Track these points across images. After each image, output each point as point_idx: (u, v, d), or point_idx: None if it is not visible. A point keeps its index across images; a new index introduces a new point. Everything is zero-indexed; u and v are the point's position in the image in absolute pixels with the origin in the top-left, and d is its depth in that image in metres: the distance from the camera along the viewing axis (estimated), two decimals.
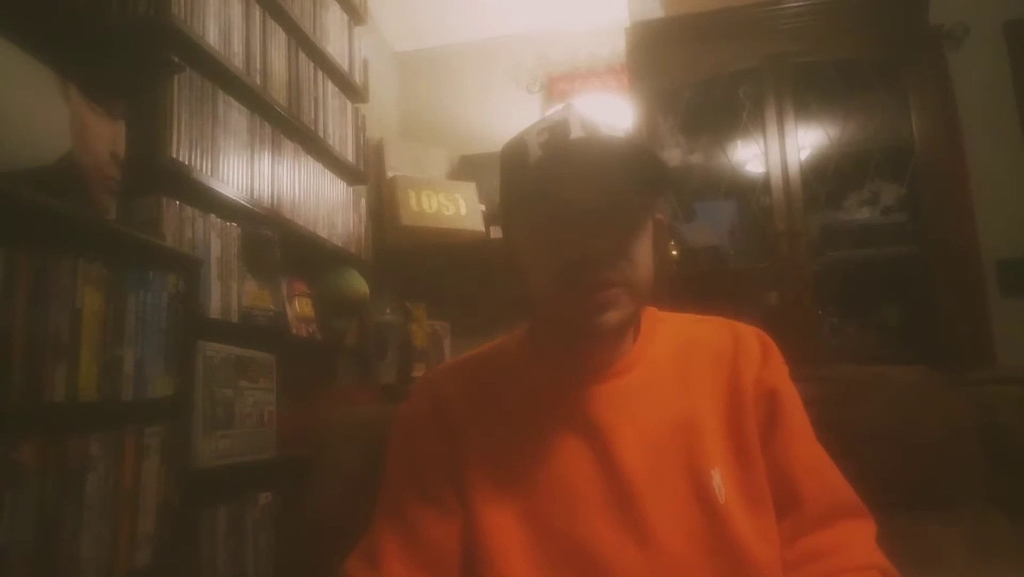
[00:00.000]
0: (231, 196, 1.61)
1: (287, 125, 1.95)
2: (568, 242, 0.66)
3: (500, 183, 0.77)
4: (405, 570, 0.67)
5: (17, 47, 1.02)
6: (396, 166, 2.82)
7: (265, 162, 1.80)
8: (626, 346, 0.74)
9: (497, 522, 0.67)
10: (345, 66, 2.37)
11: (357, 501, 0.79)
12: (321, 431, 0.99)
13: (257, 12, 1.82)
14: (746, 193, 2.29)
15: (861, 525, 0.67)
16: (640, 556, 0.64)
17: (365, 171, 2.49)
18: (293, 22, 2.02)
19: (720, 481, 0.66)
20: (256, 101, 1.78)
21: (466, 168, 2.97)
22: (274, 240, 1.78)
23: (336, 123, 2.29)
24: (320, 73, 2.20)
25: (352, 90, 2.44)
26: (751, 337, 0.75)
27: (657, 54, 2.31)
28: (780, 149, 2.18)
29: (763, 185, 2.21)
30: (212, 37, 1.59)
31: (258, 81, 1.80)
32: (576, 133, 0.68)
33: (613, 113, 2.53)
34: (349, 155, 2.36)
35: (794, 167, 2.16)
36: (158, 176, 1.41)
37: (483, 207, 2.77)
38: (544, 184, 0.67)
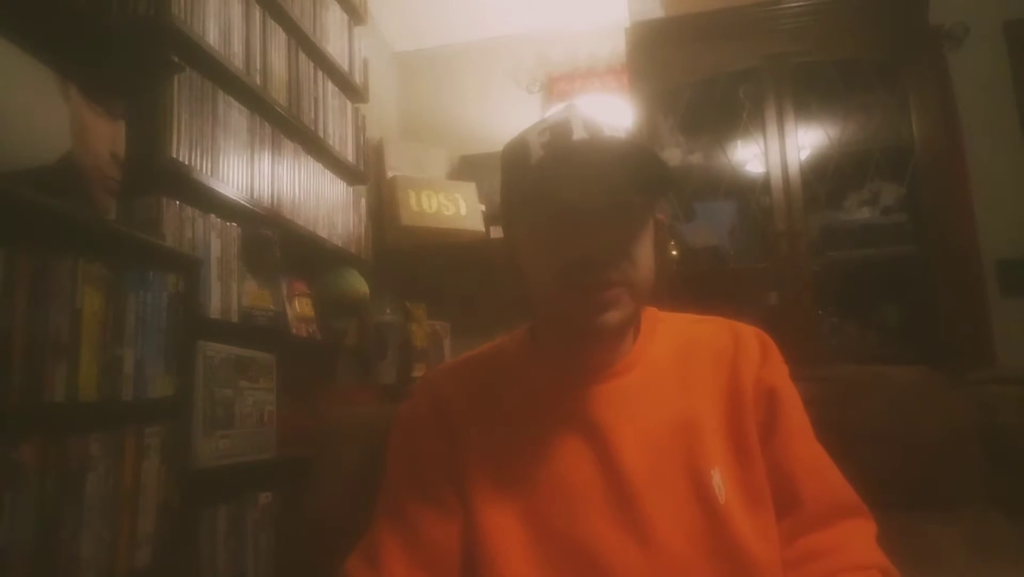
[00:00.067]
0: (231, 196, 1.61)
1: (287, 125, 1.95)
2: (569, 242, 0.66)
3: (501, 183, 0.77)
4: (405, 570, 0.67)
5: (17, 47, 1.02)
6: (396, 166, 2.82)
7: (265, 162, 1.80)
8: (626, 346, 0.74)
9: (497, 522, 0.67)
10: (345, 66, 2.37)
11: (357, 501, 0.79)
12: (321, 431, 0.99)
13: (257, 12, 1.82)
14: (746, 193, 2.29)
15: (861, 525, 0.67)
16: (640, 556, 0.64)
17: (365, 171, 2.49)
18: (293, 22, 2.02)
19: (720, 481, 0.66)
20: (256, 101, 1.78)
21: (466, 168, 2.97)
22: (274, 240, 1.78)
23: (336, 123, 2.29)
24: (320, 73, 2.20)
25: (352, 90, 2.44)
26: (751, 337, 0.75)
27: (657, 54, 2.31)
28: (780, 149, 2.18)
29: (763, 185, 2.21)
30: (212, 37, 1.59)
31: (258, 81, 1.80)
32: (578, 133, 0.68)
33: (613, 113, 2.53)
34: (349, 155, 2.36)
35: (794, 167, 2.16)
36: (158, 176, 1.41)
37: (483, 207, 2.77)
38: (545, 184, 0.67)
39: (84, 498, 1.02)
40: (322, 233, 2.11)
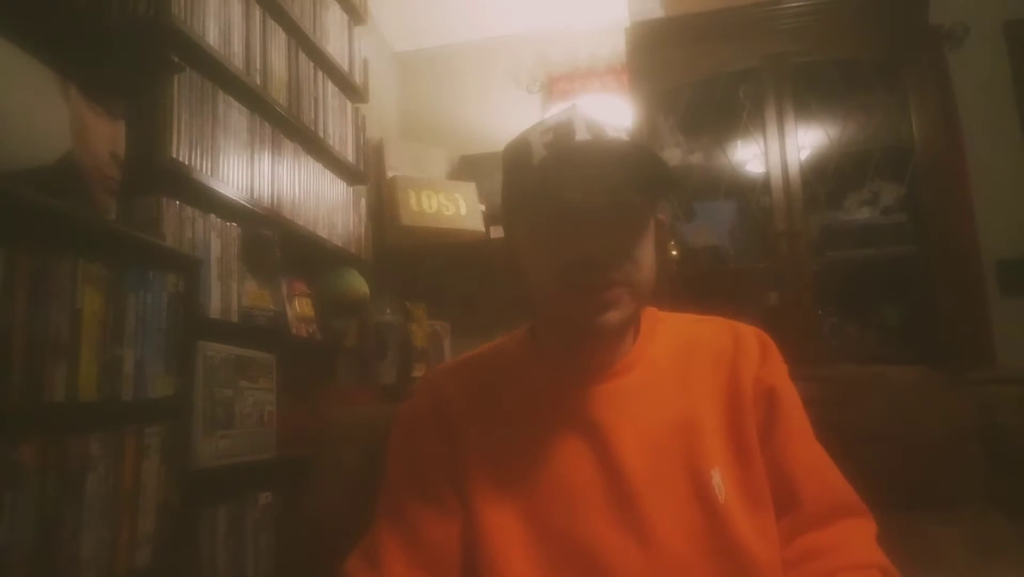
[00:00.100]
0: (231, 196, 1.61)
1: (287, 125, 1.95)
2: (570, 242, 0.66)
3: (502, 182, 0.77)
4: (405, 570, 0.67)
5: (17, 47, 1.02)
6: (396, 166, 2.82)
7: (265, 162, 1.80)
8: (626, 346, 0.74)
9: (497, 522, 0.67)
10: (345, 66, 2.37)
11: (357, 501, 0.79)
12: (321, 431, 0.99)
13: (257, 12, 1.82)
14: (746, 193, 2.29)
15: (861, 524, 0.67)
16: (640, 556, 0.64)
17: (365, 171, 2.49)
18: (293, 22, 2.02)
19: (720, 480, 0.66)
20: (256, 101, 1.78)
21: (466, 168, 2.97)
22: (274, 240, 1.78)
23: (336, 123, 2.29)
24: (320, 73, 2.20)
25: (352, 90, 2.44)
26: (750, 336, 0.75)
27: (657, 54, 2.31)
28: (780, 149, 2.18)
29: (763, 185, 2.21)
30: (212, 37, 1.59)
31: (258, 81, 1.80)
32: (581, 134, 0.68)
33: (613, 113, 2.53)
34: (349, 155, 2.36)
35: (794, 167, 2.16)
36: (158, 176, 1.41)
37: (483, 207, 2.77)
38: (547, 184, 0.67)
39: (84, 498, 1.02)
40: (322, 233, 2.11)
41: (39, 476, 0.95)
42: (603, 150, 0.68)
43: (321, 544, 0.86)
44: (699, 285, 2.15)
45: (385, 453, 0.77)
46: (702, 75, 2.27)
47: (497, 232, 2.69)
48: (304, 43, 2.10)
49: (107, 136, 1.17)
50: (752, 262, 2.31)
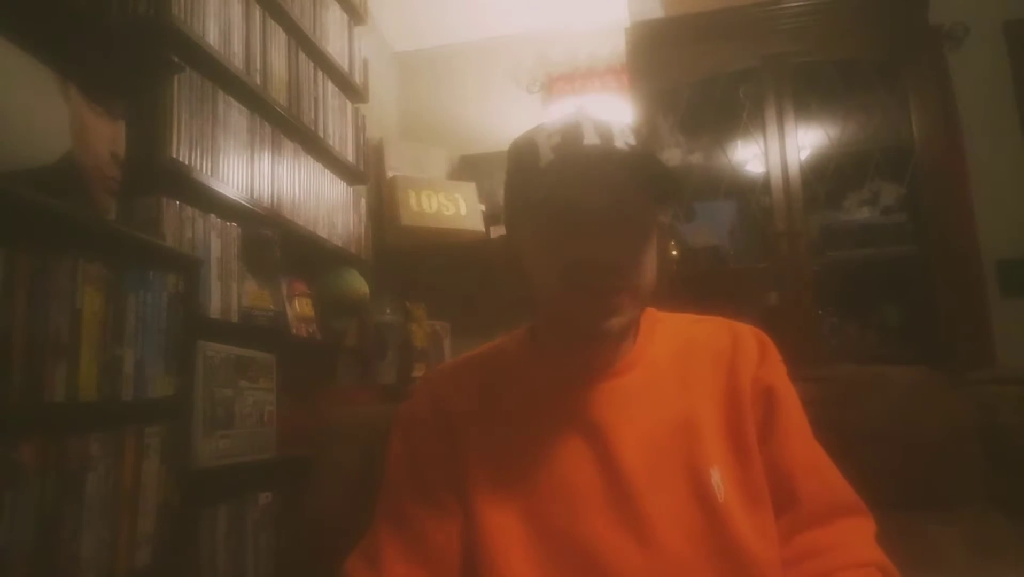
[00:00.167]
0: (231, 196, 1.61)
1: (287, 125, 1.95)
2: (575, 240, 0.66)
3: (506, 180, 0.77)
4: (405, 570, 0.67)
5: (17, 47, 1.02)
6: (396, 166, 2.82)
7: (265, 162, 1.80)
8: (626, 346, 0.74)
9: (497, 522, 0.67)
10: (345, 66, 2.37)
11: (357, 501, 0.79)
12: (321, 431, 0.99)
13: (257, 12, 1.82)
14: (746, 193, 2.29)
15: (860, 523, 0.67)
16: (640, 555, 0.64)
17: (365, 171, 2.49)
18: (293, 22, 2.02)
19: (719, 480, 0.66)
20: (256, 101, 1.78)
21: (466, 168, 2.97)
22: (274, 240, 1.78)
23: (336, 123, 2.29)
24: (320, 73, 2.20)
25: (352, 90, 2.44)
26: (749, 336, 0.75)
27: (657, 54, 2.31)
28: (780, 149, 2.18)
29: (763, 185, 2.21)
30: (212, 37, 1.59)
31: (258, 81, 1.80)
32: (590, 139, 0.68)
33: (614, 113, 2.53)
34: (349, 155, 2.36)
35: (794, 167, 2.16)
36: (158, 176, 1.41)
37: (483, 207, 2.77)
38: (554, 189, 0.67)
39: (84, 498, 1.02)
40: (322, 233, 2.11)
41: (39, 476, 0.95)
42: (611, 156, 0.68)
43: (321, 544, 0.86)
44: (699, 285, 2.15)
45: (385, 453, 0.77)
46: (702, 75, 2.27)
47: (497, 232, 2.70)
48: (304, 43, 2.10)
49: (107, 136, 1.17)
50: (752, 262, 2.31)
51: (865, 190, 2.22)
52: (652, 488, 0.66)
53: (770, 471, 0.68)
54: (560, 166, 0.67)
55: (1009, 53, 2.40)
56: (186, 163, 1.46)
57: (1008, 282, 2.26)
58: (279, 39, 1.94)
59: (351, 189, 2.37)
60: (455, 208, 2.71)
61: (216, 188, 1.55)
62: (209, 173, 1.54)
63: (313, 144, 2.11)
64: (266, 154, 1.81)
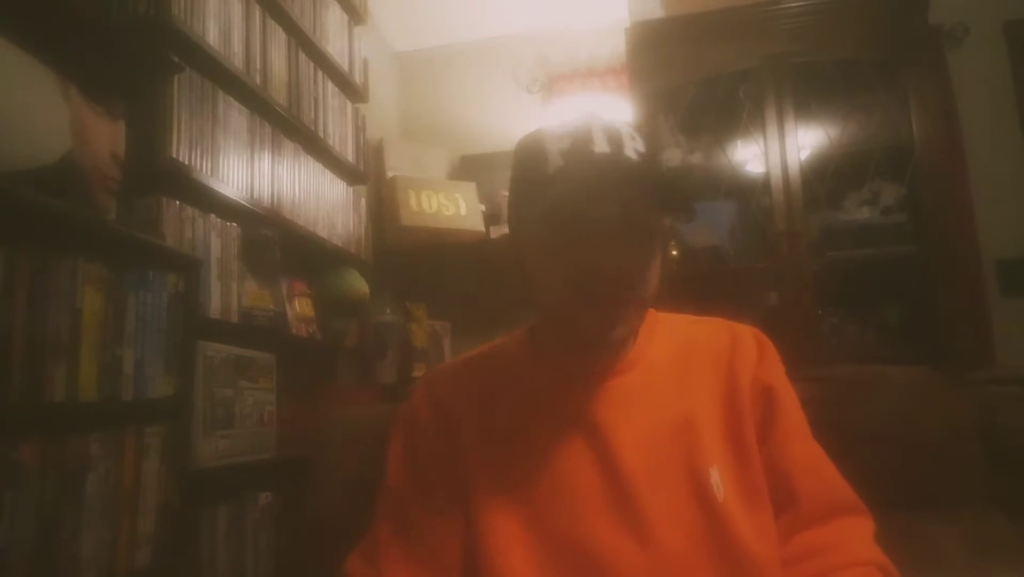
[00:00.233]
0: (231, 196, 1.61)
1: (287, 125, 1.95)
2: (582, 247, 0.66)
3: (511, 181, 0.76)
4: (405, 570, 0.67)
5: (17, 47, 1.02)
6: (396, 166, 2.82)
7: (265, 162, 1.80)
8: (626, 347, 0.74)
9: (497, 522, 0.67)
10: (345, 66, 2.37)
11: (357, 501, 0.79)
12: (321, 431, 0.99)
13: (257, 12, 1.82)
14: (746, 193, 2.29)
15: (859, 522, 0.68)
16: (640, 555, 0.64)
17: (365, 171, 2.49)
18: (293, 22, 2.02)
19: (719, 479, 0.66)
20: (256, 101, 1.78)
21: (466, 168, 2.97)
22: (274, 240, 1.78)
23: (336, 123, 2.29)
24: (320, 73, 2.20)
25: (352, 90, 2.44)
26: (748, 337, 0.75)
27: (657, 54, 2.31)
28: (780, 149, 2.18)
29: (763, 185, 2.21)
30: (212, 37, 1.59)
31: (258, 81, 1.80)
32: (600, 146, 0.67)
33: (613, 113, 2.53)
34: (349, 155, 2.36)
35: (794, 167, 2.16)
36: (158, 176, 1.41)
37: (483, 207, 2.77)
38: (563, 196, 0.66)
39: (84, 498, 1.02)
40: (322, 233, 2.11)
41: (39, 476, 0.95)
42: (621, 165, 0.67)
43: (321, 544, 0.86)
44: (699, 285, 2.15)
45: (385, 453, 0.77)
46: (702, 75, 2.27)
47: (497, 232, 2.70)
48: (304, 43, 2.10)
49: (107, 136, 1.17)
50: (752, 262, 2.31)
51: (865, 190, 2.22)
52: (652, 488, 0.66)
53: (769, 471, 0.68)
54: (569, 173, 0.66)
55: (1009, 53, 2.40)
56: (186, 163, 1.46)
57: (1008, 282, 2.26)
58: (279, 39, 1.94)
59: (351, 189, 2.37)
60: (455, 208, 2.71)
61: (216, 188, 1.55)
62: (209, 173, 1.54)
63: (313, 144, 2.11)
64: (266, 154, 1.81)
